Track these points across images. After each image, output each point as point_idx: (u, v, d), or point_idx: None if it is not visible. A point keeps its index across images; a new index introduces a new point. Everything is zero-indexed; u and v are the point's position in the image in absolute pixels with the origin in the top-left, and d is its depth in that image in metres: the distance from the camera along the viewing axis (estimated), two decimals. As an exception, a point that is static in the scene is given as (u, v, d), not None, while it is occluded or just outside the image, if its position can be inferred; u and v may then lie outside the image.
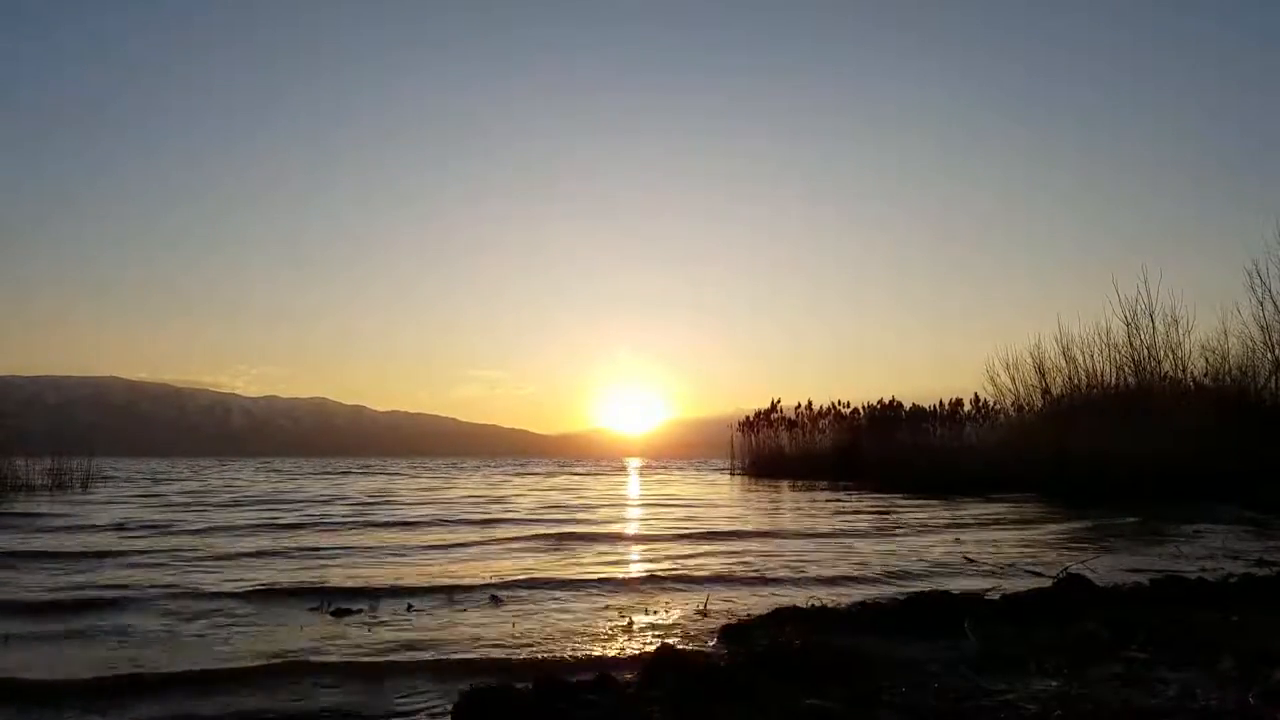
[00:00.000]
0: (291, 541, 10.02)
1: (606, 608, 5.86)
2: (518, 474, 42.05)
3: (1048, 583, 5.99)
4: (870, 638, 4.37)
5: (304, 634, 5.02)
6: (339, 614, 5.56)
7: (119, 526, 11.89)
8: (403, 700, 3.73)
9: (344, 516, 13.93)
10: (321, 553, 8.88)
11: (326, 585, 6.62)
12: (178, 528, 11.70)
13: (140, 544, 9.70)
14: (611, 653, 4.56)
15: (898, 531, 11.39)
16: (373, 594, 6.26)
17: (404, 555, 8.83)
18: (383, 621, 5.37)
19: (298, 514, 14.57)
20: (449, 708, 3.39)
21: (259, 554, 8.78)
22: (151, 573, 7.43)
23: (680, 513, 15.18)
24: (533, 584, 6.74)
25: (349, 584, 6.73)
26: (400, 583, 6.77)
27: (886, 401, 32.78)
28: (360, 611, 5.66)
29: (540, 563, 8.22)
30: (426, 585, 6.64)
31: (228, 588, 6.57)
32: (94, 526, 11.91)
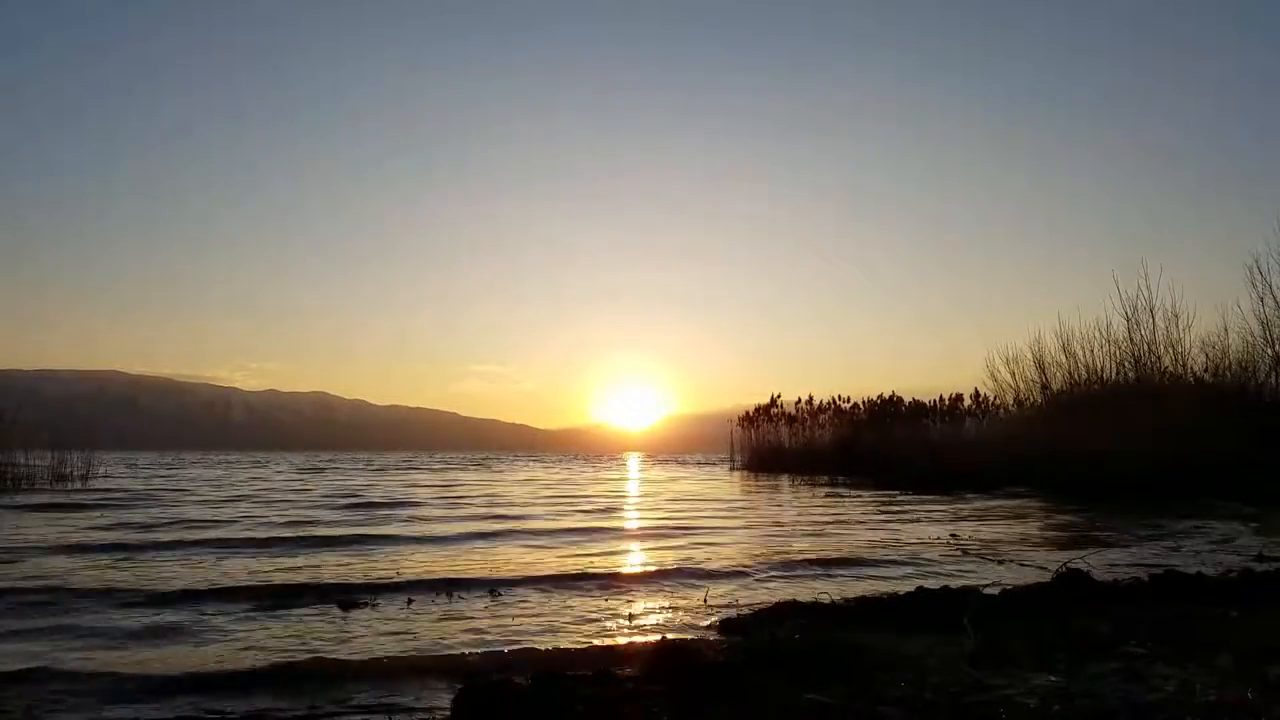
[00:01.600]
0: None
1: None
2: (560, 470, 40.59)
3: (1047, 578, 6.00)
4: (870, 632, 4.37)
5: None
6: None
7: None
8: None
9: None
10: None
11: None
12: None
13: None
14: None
15: (898, 524, 11.40)
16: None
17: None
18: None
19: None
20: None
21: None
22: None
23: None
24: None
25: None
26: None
27: (886, 396, 32.87)
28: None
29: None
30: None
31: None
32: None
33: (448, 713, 3.29)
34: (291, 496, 18.45)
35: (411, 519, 12.86)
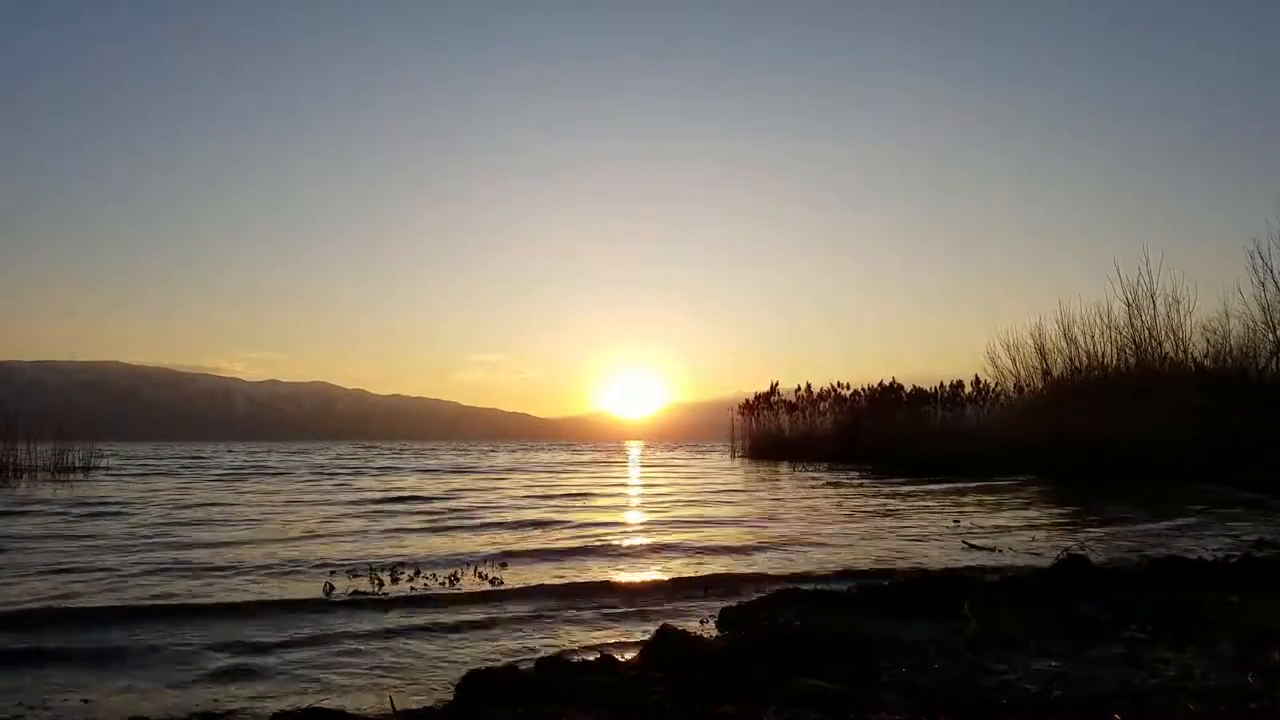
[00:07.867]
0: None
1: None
2: (591, 461, 37.06)
3: (1047, 563, 6.01)
4: (871, 619, 4.38)
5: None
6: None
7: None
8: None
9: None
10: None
11: None
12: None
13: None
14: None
15: (899, 513, 11.42)
16: None
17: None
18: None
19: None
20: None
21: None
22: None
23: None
24: None
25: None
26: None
27: (886, 383, 32.78)
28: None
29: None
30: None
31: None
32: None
33: (450, 699, 3.31)
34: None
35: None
